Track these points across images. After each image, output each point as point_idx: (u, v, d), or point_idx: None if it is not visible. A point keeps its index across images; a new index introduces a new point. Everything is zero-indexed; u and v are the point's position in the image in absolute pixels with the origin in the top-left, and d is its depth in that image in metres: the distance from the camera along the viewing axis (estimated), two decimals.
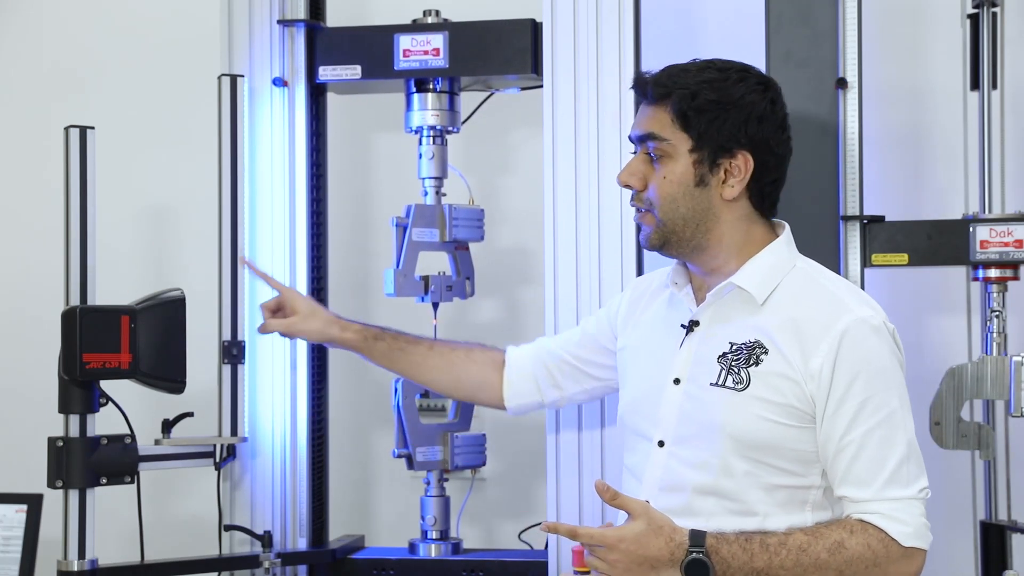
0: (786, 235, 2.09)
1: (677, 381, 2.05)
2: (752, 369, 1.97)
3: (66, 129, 2.72)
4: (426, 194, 2.97)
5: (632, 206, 2.08)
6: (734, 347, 1.99)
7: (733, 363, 1.98)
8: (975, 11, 2.90)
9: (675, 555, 1.87)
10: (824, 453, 1.96)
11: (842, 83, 2.79)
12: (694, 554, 1.87)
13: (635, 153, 2.08)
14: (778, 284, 2.02)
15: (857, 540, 1.90)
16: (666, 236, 2.03)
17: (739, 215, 2.05)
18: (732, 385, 1.98)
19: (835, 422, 1.93)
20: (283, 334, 2.52)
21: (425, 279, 2.92)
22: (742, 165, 2.02)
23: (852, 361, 1.93)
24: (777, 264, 2.04)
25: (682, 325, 2.08)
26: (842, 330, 1.93)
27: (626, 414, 2.17)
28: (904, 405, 1.96)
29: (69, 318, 2.60)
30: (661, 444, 2.04)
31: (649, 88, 2.03)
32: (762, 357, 1.97)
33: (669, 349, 2.08)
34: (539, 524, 3.03)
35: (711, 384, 2.00)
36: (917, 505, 1.93)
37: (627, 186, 2.05)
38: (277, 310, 2.48)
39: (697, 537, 1.88)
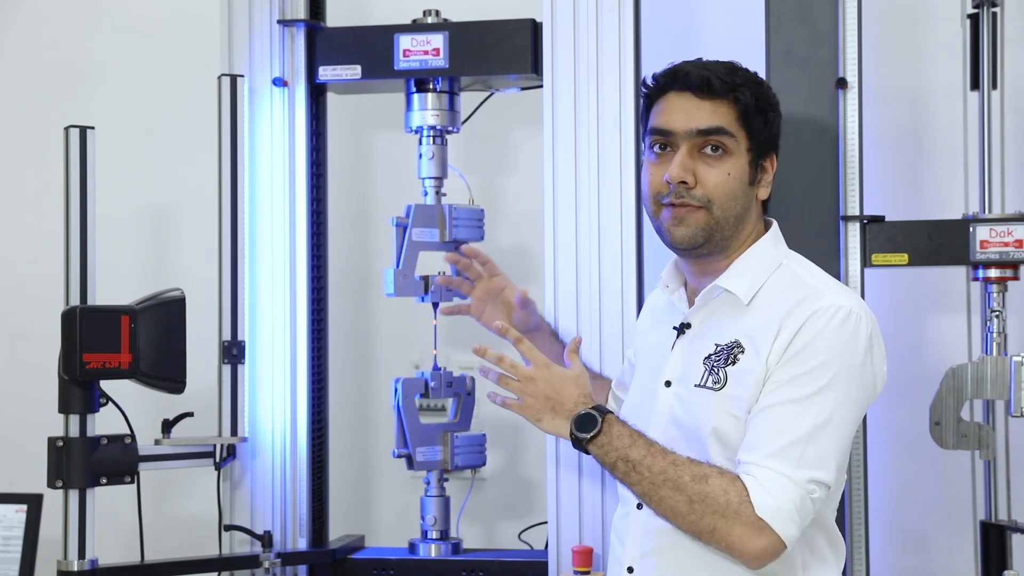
0: (772, 233, 2.09)
1: (668, 384, 2.05)
2: (729, 368, 1.97)
3: (66, 129, 2.72)
4: (426, 194, 2.97)
5: (671, 203, 2.00)
6: (718, 348, 2.00)
7: (715, 364, 1.99)
8: (975, 11, 2.90)
9: (576, 409, 1.96)
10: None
11: (842, 83, 2.79)
12: (589, 411, 1.95)
13: (656, 148, 2.03)
14: (763, 283, 2.02)
15: (720, 482, 1.87)
16: (711, 234, 2.00)
17: (758, 214, 2.07)
18: (711, 385, 1.98)
19: (765, 388, 1.92)
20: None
21: (425, 279, 2.91)
22: (769, 167, 2.06)
23: (803, 339, 1.91)
24: (761, 264, 2.04)
25: (674, 327, 2.08)
26: (808, 315, 1.92)
27: (624, 419, 2.18)
28: (835, 394, 1.89)
29: (69, 318, 2.60)
30: None
31: (712, 80, 1.99)
32: (739, 356, 1.97)
33: (663, 353, 2.09)
34: (539, 524, 3.05)
35: (695, 385, 2.00)
36: (793, 488, 1.86)
37: (682, 183, 1.98)
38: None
39: (605, 408, 1.97)
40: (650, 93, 2.06)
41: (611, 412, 1.96)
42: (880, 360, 1.98)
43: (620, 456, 1.92)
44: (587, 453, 1.96)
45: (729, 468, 1.93)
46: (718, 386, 1.97)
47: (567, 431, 1.96)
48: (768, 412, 1.90)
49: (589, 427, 1.94)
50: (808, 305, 1.94)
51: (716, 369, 1.98)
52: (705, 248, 2.02)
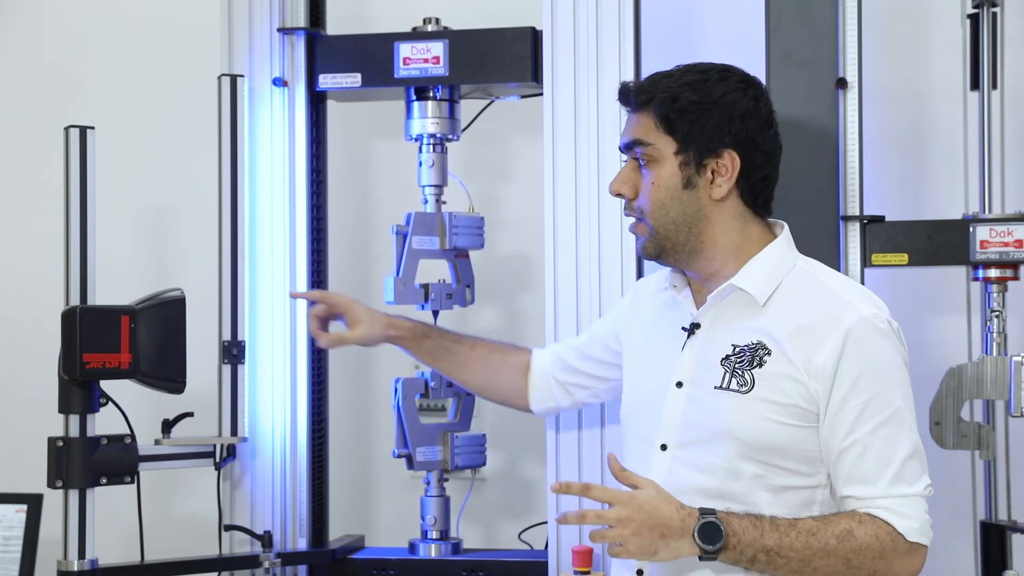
0: (785, 235, 2.09)
1: (680, 384, 2.04)
2: (756, 371, 1.97)
3: (66, 129, 2.72)
4: (426, 202, 2.97)
5: (627, 216, 2.10)
6: (736, 349, 1.99)
7: (736, 366, 1.98)
8: (975, 11, 2.90)
9: (686, 523, 1.86)
10: (827, 451, 1.96)
11: (842, 83, 2.79)
12: (707, 519, 1.86)
13: (626, 162, 2.10)
14: (779, 284, 2.02)
15: (866, 530, 1.90)
16: (660, 244, 2.04)
17: (731, 215, 2.05)
18: (736, 388, 1.97)
19: (839, 421, 1.94)
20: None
21: (425, 287, 2.91)
22: (728, 164, 2.02)
23: (856, 359, 1.93)
24: (777, 264, 2.04)
25: (683, 328, 2.08)
26: (847, 329, 1.94)
27: (627, 417, 2.17)
28: (908, 403, 1.96)
29: (69, 318, 2.60)
30: (664, 447, 2.04)
31: (632, 96, 2.05)
32: (765, 359, 1.97)
33: (670, 352, 2.08)
34: (539, 524, 3.05)
35: (715, 387, 1.99)
36: (922, 502, 1.94)
37: (619, 194, 2.07)
38: (327, 318, 2.50)
39: (708, 509, 1.88)
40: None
41: (717, 510, 1.89)
42: (905, 351, 2.03)
43: (758, 549, 1.88)
44: (713, 560, 1.88)
45: (752, 468, 1.96)
46: (745, 389, 1.97)
47: (691, 550, 1.86)
48: (863, 443, 1.93)
49: (717, 537, 1.86)
50: (843, 318, 1.95)
51: (740, 371, 1.98)
52: (669, 257, 2.06)
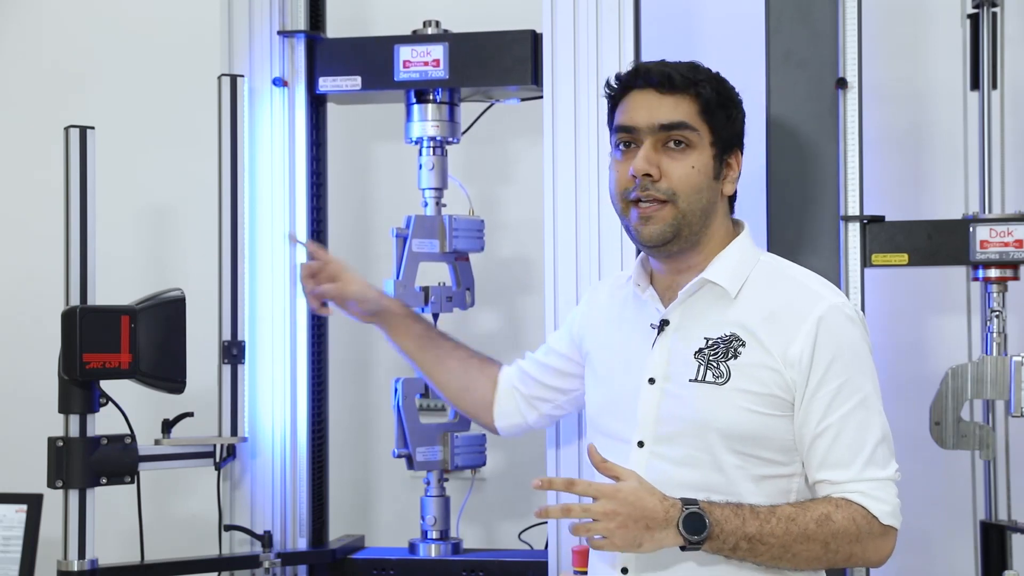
0: (747, 232, 2.12)
1: (652, 381, 2.04)
2: (731, 362, 1.98)
3: (66, 129, 2.72)
4: (426, 205, 2.97)
5: (636, 197, 2.00)
6: (710, 342, 2.00)
7: (711, 358, 2.00)
8: (975, 11, 2.90)
9: (670, 514, 1.87)
10: (800, 437, 1.98)
11: (842, 83, 2.79)
12: (691, 509, 1.88)
13: (621, 146, 2.04)
14: (747, 278, 2.04)
15: (842, 514, 1.93)
16: (679, 228, 2.01)
17: (723, 212, 2.09)
18: (713, 380, 1.98)
19: (812, 407, 1.96)
20: (332, 300, 2.40)
21: (425, 290, 2.92)
22: (735, 163, 2.07)
23: (829, 347, 1.95)
24: (743, 259, 2.06)
25: (652, 325, 2.08)
26: (819, 317, 1.96)
27: (596, 417, 2.17)
28: (876, 389, 1.99)
29: (69, 318, 2.60)
30: (641, 445, 2.04)
31: (673, 76, 2.00)
32: (740, 350, 1.98)
33: (639, 350, 2.08)
34: (539, 524, 3.05)
35: (690, 380, 2.00)
36: (892, 486, 1.97)
37: (646, 175, 1.99)
38: (314, 275, 2.38)
39: (689, 499, 1.90)
40: (614, 94, 2.08)
41: (699, 500, 1.90)
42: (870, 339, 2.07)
43: (740, 537, 1.89)
44: (697, 549, 1.89)
45: (733, 459, 1.96)
46: (721, 380, 1.98)
47: (675, 540, 1.87)
48: (836, 428, 1.96)
49: (701, 528, 1.87)
50: (813, 306, 1.98)
51: (715, 363, 1.99)
52: (675, 244, 2.03)
